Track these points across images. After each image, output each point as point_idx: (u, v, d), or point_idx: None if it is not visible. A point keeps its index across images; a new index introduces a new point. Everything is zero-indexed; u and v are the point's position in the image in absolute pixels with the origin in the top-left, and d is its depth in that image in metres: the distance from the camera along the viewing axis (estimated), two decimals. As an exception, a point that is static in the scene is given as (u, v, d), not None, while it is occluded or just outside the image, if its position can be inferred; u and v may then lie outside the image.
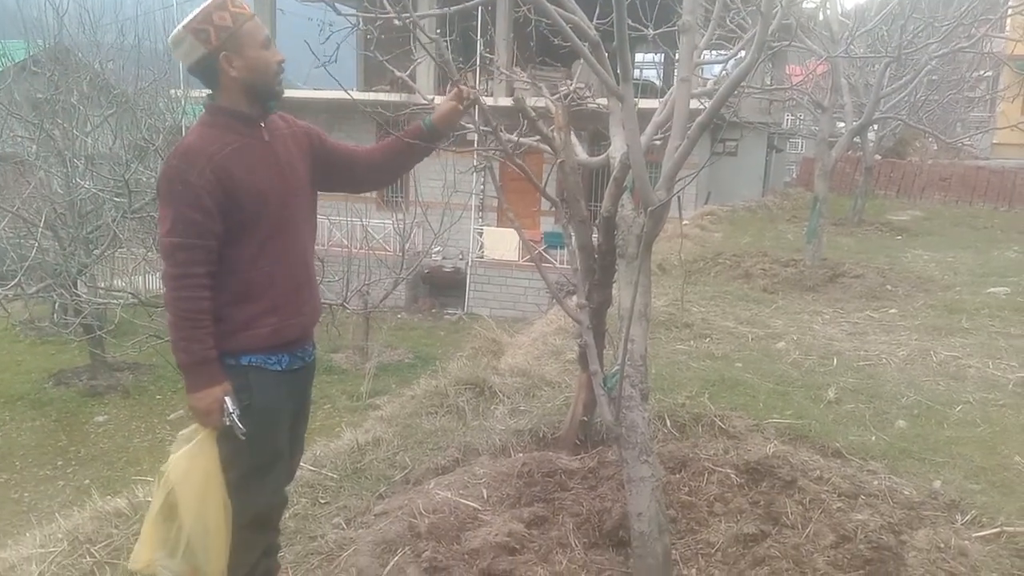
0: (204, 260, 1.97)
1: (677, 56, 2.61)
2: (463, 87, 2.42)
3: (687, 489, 2.94)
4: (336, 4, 2.80)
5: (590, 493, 2.88)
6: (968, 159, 19.37)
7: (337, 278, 10.23)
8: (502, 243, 17.05)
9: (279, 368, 2.13)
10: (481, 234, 17.66)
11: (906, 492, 3.00)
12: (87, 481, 8.25)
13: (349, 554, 2.62)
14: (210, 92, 2.09)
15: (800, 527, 2.66)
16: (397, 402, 4.22)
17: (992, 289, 7.45)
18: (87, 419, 10.23)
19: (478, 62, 13.78)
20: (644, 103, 9.86)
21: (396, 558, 2.53)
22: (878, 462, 3.34)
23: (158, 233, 2.21)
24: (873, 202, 14.57)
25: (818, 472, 3.04)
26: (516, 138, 3.05)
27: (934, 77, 12.96)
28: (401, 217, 12.95)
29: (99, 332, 10.40)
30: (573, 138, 3.07)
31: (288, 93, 2.16)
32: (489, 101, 12.88)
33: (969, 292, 7.34)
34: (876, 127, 15.18)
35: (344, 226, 15.11)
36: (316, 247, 2.35)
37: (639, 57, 22.13)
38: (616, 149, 2.79)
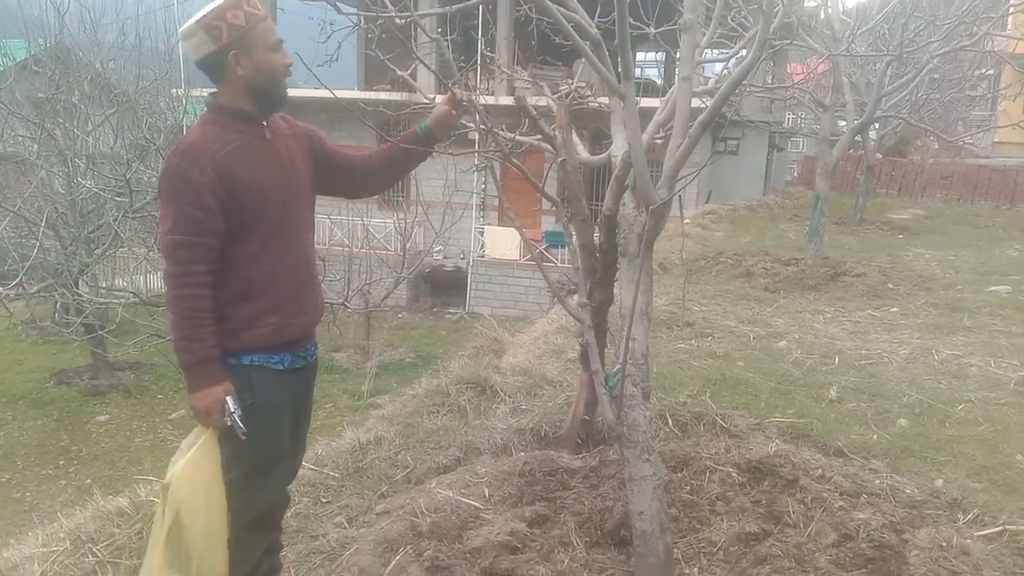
0: (205, 258, 1.97)
1: (678, 55, 2.61)
2: (456, 91, 2.43)
3: (689, 488, 2.94)
4: (337, 3, 2.80)
5: (592, 492, 2.88)
6: (969, 157, 19.38)
7: (338, 277, 10.23)
8: (503, 242, 17.04)
9: (281, 367, 2.13)
10: (482, 233, 17.65)
11: (908, 491, 3.00)
12: (89, 480, 8.26)
13: (351, 553, 2.62)
14: (213, 91, 2.09)
15: (802, 526, 2.66)
16: (398, 401, 4.22)
17: (994, 287, 7.44)
18: (89, 418, 10.24)
19: (479, 61, 13.78)
20: (645, 102, 9.88)
21: (398, 557, 2.53)
22: (880, 461, 3.33)
23: (159, 231, 2.21)
24: (874, 201, 14.55)
25: (820, 471, 3.03)
26: (516, 137, 3.05)
27: (935, 76, 12.94)
28: (402, 216, 12.96)
29: (101, 331, 10.39)
30: (574, 137, 3.06)
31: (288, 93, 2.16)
32: (490, 100, 12.92)
33: (971, 291, 7.33)
34: (877, 126, 15.18)
35: (345, 225, 15.12)
36: (317, 246, 2.35)
37: (640, 56, 22.17)
38: (617, 148, 2.79)
